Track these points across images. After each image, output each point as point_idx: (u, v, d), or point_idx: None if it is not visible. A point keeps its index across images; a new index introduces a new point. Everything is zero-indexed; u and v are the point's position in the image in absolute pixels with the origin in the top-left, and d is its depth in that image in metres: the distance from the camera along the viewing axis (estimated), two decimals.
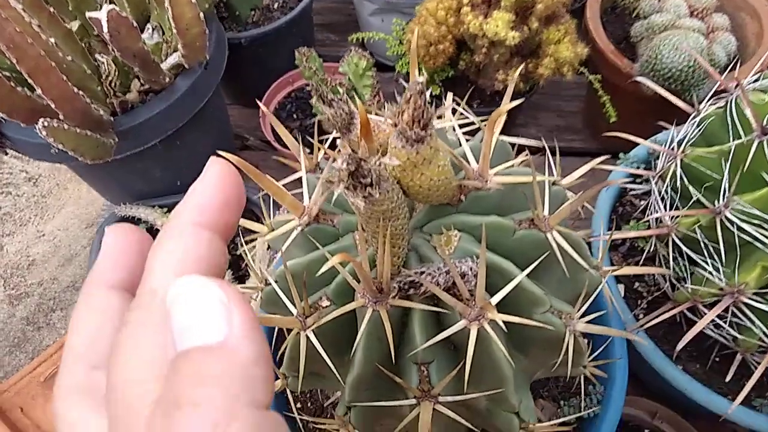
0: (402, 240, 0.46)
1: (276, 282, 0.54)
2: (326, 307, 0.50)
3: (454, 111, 0.61)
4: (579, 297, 0.52)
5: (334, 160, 0.38)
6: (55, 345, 1.14)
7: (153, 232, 1.14)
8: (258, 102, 0.55)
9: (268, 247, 0.98)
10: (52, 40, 0.79)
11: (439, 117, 0.59)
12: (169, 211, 1.12)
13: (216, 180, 0.27)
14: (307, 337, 0.49)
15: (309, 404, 0.84)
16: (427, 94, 0.33)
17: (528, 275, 0.46)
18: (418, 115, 0.34)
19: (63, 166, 1.30)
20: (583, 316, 0.51)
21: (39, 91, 0.77)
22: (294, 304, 0.50)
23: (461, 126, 0.57)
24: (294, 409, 0.82)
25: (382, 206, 0.41)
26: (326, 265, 0.37)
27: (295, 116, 1.39)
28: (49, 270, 1.43)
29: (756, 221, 0.60)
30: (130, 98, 1.04)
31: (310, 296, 0.52)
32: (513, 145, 0.60)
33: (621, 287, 0.83)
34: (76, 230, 1.49)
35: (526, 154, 0.56)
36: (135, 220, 1.12)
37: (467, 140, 0.54)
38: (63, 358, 0.26)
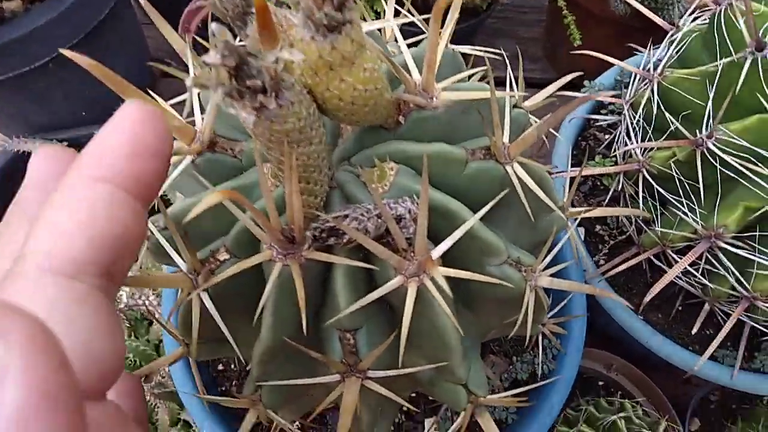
0: (319, 174, 0.35)
1: (165, 229, 0.42)
2: (225, 261, 0.39)
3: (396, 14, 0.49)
4: (541, 244, 0.42)
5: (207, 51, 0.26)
6: None
7: None
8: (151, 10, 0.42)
9: None
10: None
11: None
12: (71, 146, 0.96)
13: (126, 124, 0.23)
14: (201, 299, 0.38)
15: (233, 366, 0.74)
16: None
17: (481, 218, 0.36)
18: None
19: None
20: (546, 268, 0.42)
21: None
22: (184, 259, 0.39)
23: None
24: (210, 375, 0.72)
25: (285, 125, 0.29)
26: (197, 207, 0.25)
27: None
28: None
29: (744, 154, 0.52)
30: (11, 7, 0.86)
31: (207, 246, 0.41)
32: (466, 60, 0.49)
33: (581, 230, 0.75)
34: None
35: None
36: (29, 156, 0.95)
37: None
38: None
